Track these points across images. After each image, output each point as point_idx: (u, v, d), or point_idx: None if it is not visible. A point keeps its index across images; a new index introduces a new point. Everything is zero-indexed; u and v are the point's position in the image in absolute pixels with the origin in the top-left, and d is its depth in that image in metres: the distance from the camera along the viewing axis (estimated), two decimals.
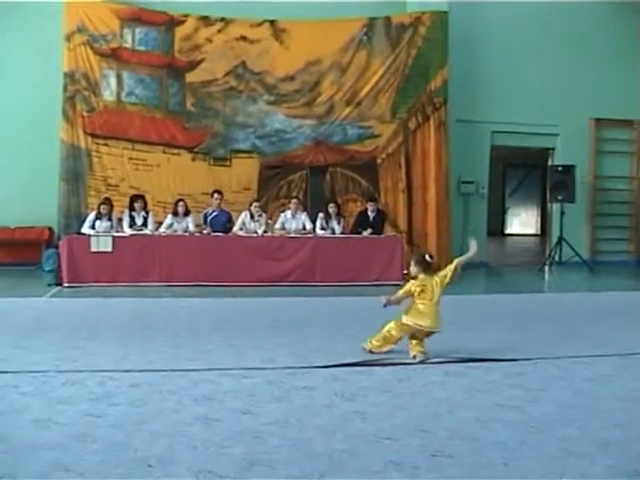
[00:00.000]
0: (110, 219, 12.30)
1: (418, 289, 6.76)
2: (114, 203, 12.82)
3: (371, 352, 6.92)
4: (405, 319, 6.77)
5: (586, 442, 4.56)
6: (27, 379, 5.87)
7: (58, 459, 4.15)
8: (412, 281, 6.90)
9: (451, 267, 6.90)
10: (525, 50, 16.13)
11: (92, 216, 12.32)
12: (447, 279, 6.85)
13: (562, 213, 15.89)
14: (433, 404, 5.36)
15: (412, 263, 7.01)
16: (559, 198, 15.83)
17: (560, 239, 15.82)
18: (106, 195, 13.29)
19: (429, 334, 6.80)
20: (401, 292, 6.92)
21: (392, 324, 6.87)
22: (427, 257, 6.91)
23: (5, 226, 13.94)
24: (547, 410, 5.24)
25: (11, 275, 12.93)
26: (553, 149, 17.08)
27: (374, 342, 6.95)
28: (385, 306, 6.89)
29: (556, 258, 15.95)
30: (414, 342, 6.79)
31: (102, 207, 12.34)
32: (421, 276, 6.83)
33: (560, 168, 16.00)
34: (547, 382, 6.03)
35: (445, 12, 14.95)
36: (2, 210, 14.02)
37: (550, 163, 17.17)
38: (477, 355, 6.89)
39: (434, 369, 6.40)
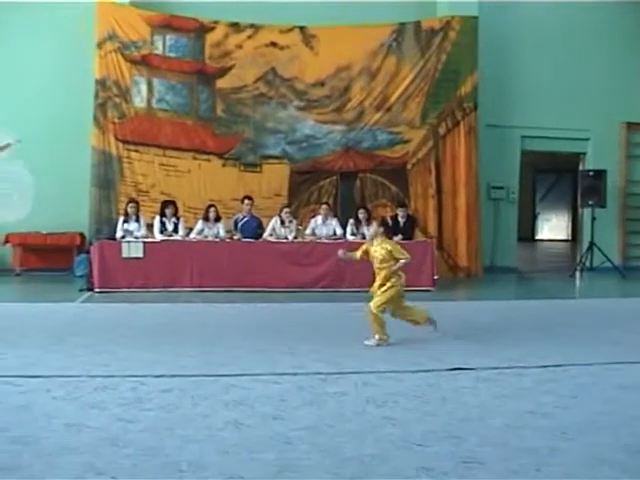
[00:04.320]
0: (138, 220, 12.40)
1: (378, 249, 7.71)
2: (146, 209, 12.95)
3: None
4: None
5: (617, 449, 4.53)
6: (59, 383, 5.93)
7: (90, 463, 4.19)
8: (367, 244, 7.95)
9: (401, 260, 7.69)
10: (555, 54, 15.98)
11: (121, 221, 12.42)
12: (394, 256, 7.68)
13: (593, 218, 15.72)
14: (464, 410, 5.35)
15: (374, 225, 7.97)
16: (590, 203, 15.68)
17: (591, 244, 15.67)
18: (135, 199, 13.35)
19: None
20: (358, 253, 8.01)
21: None
22: (388, 219, 8.55)
23: (37, 232, 14.03)
24: (578, 417, 5.21)
25: (43, 280, 13.08)
26: (584, 154, 16.89)
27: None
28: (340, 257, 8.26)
29: (587, 264, 15.78)
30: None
31: (129, 207, 12.44)
32: (380, 239, 7.75)
33: (591, 173, 15.86)
34: (578, 389, 5.99)
35: (475, 17, 14.91)
36: (34, 216, 14.17)
37: (581, 168, 17.01)
38: (508, 361, 6.87)
39: (465, 375, 6.38)
